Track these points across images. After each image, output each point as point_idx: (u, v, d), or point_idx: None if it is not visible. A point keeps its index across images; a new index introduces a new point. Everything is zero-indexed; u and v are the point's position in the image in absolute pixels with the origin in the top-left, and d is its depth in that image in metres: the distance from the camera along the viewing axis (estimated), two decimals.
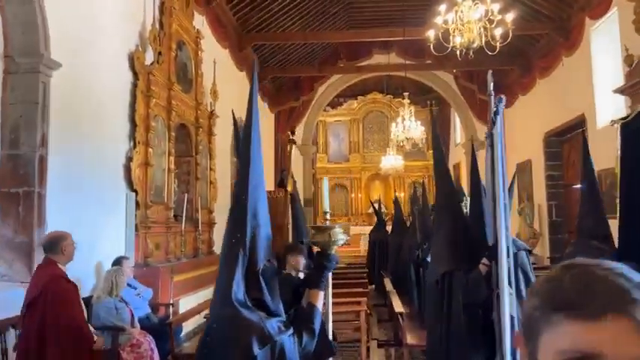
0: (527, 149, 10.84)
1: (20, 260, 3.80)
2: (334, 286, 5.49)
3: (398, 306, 4.35)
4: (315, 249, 2.09)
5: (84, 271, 4.22)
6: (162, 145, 5.79)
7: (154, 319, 4.66)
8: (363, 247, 14.05)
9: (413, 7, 9.53)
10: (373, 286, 8.28)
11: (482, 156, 10.94)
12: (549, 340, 0.56)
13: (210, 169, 7.23)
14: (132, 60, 5.23)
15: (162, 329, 4.26)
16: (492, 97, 2.26)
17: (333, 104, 18.88)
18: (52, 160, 3.98)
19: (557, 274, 0.59)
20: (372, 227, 11.32)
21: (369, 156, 19.23)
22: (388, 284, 6.17)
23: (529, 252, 4.67)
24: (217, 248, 7.01)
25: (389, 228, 9.40)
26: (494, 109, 2.16)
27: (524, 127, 11.22)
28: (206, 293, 5.71)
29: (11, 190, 3.83)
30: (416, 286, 4.92)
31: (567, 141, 9.66)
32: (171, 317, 4.79)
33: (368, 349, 4.73)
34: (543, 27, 9.13)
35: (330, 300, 2.06)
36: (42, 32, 3.89)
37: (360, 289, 5.24)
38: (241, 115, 9.14)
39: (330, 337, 1.91)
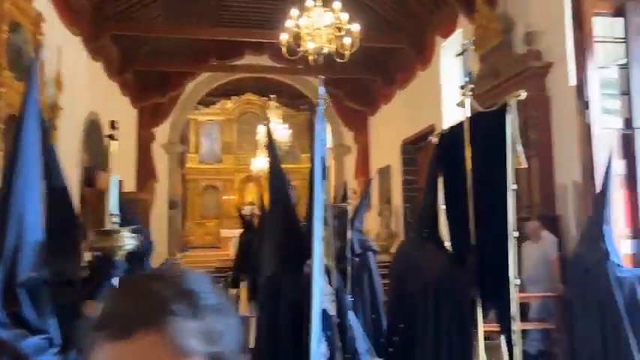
0: (388, 155, 11.55)
1: None
2: None
3: (243, 309, 4.29)
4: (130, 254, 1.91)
5: None
6: None
7: None
8: (233, 250, 13.80)
9: (277, 9, 9.61)
10: (236, 290, 8.16)
11: (348, 161, 11.32)
12: None
13: None
14: None
15: None
16: (320, 101, 2.28)
17: (207, 103, 18.33)
18: None
19: (114, 292, 0.55)
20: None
21: (243, 157, 18.99)
22: (242, 290, 6.09)
23: (375, 252, 4.91)
24: None
25: None
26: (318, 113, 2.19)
27: (385, 135, 11.94)
28: None
29: None
30: None
31: (421, 149, 10.47)
32: None
33: None
34: (401, 41, 9.77)
35: None
36: None
37: None
38: (97, 110, 8.37)
39: None
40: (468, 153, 2.60)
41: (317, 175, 2.07)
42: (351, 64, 11.67)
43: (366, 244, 4.62)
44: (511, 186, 2.33)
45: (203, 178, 18.76)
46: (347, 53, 5.24)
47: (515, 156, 2.34)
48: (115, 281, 1.60)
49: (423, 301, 2.32)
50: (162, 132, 12.52)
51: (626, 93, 4.00)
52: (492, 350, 2.93)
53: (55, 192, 2.13)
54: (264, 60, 11.87)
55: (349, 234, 3.13)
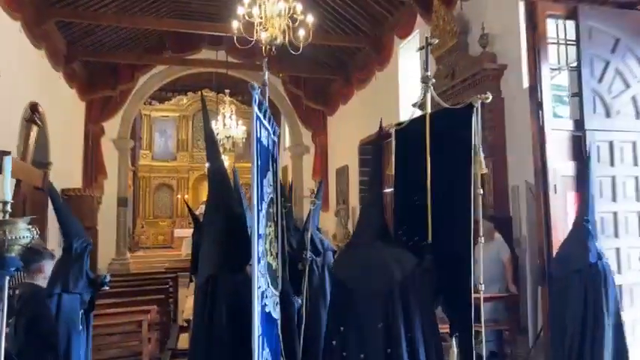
0: (345, 155, 11.47)
1: None
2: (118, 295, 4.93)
3: (190, 314, 4.06)
4: None
5: None
6: None
7: None
8: (185, 250, 13.38)
9: (233, 1, 9.37)
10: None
11: (307, 160, 11.14)
12: None
13: None
14: None
15: None
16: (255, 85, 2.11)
17: (161, 99, 17.77)
18: None
19: None
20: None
21: (198, 155, 18.53)
22: (191, 290, 5.82)
23: (334, 252, 4.78)
24: None
25: None
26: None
27: (344, 135, 11.87)
28: None
29: None
30: None
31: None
32: None
33: None
34: (360, 41, 9.71)
35: None
36: None
37: (153, 297, 4.80)
38: (39, 100, 7.83)
39: None
40: (427, 149, 2.50)
41: (253, 164, 1.90)
42: (310, 62, 11.65)
43: (325, 244, 4.47)
44: (476, 190, 2.27)
45: (156, 176, 18.20)
46: (300, 45, 5.09)
47: (478, 159, 2.28)
48: (4, 282, 1.35)
49: (388, 301, 2.20)
50: (112, 126, 11.97)
51: (576, 95, 4.03)
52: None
53: None
54: (221, 55, 11.55)
55: (308, 233, 2.97)
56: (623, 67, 4.08)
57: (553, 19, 4.16)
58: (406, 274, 2.19)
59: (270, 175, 2.37)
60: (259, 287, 2.03)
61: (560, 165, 3.82)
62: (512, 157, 5.68)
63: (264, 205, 2.22)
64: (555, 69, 4.13)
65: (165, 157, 18.44)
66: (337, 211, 11.33)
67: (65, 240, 3.19)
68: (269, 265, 2.29)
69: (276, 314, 2.32)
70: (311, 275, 3.61)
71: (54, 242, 5.93)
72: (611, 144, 3.97)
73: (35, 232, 1.38)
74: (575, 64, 4.09)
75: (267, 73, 2.06)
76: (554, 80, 4.27)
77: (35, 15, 7.79)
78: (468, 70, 6.19)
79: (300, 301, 3.00)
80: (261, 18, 4.66)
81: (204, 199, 16.86)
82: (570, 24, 4.14)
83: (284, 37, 4.84)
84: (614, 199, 3.91)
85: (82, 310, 2.97)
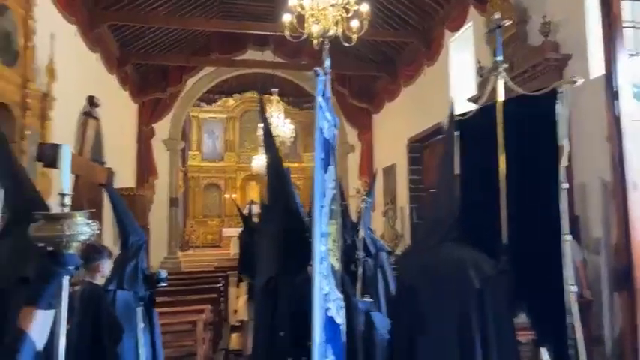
0: (393, 154, 11.23)
1: None
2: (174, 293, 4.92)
3: (242, 313, 3.99)
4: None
5: None
6: None
7: None
8: (233, 249, 13.50)
9: (281, 1, 9.33)
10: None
11: (352, 159, 10.97)
12: None
13: None
14: None
15: None
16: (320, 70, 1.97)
17: (208, 100, 18.06)
18: None
19: None
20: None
21: (245, 156, 18.68)
22: (241, 289, 5.80)
23: (389, 253, 4.61)
24: None
25: None
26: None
27: (390, 133, 11.62)
28: None
29: None
30: None
31: (428, 147, 10.13)
32: None
33: None
34: (408, 36, 9.45)
35: None
36: None
37: (205, 296, 4.77)
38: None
39: None
40: (501, 141, 2.29)
41: (317, 155, 1.75)
42: (355, 59, 11.47)
43: (378, 244, 4.30)
44: (562, 185, 2.05)
45: (205, 176, 18.49)
46: (354, 37, 4.91)
47: (563, 152, 2.06)
48: (65, 281, 1.26)
49: (464, 308, 2.00)
50: (162, 128, 12.23)
51: None
52: None
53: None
54: (267, 55, 11.57)
55: (362, 232, 2.82)
56: None
57: (628, 1, 3.84)
58: (485, 279, 1.99)
59: (332, 169, 2.23)
60: (322, 289, 1.89)
61: None
62: (577, 153, 5.30)
63: (327, 201, 2.08)
64: (633, 54, 3.79)
65: (214, 157, 18.72)
66: (385, 211, 11.09)
67: (122, 236, 3.17)
68: (332, 267, 2.15)
69: (341, 319, 2.18)
70: (364, 276, 3.45)
71: (109, 241, 6.04)
72: None
73: (96, 227, 1.29)
74: None
75: (328, 60, 1.91)
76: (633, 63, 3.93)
77: (89, 19, 8.01)
78: (528, 62, 5.86)
79: (362, 304, 2.85)
80: (312, 10, 4.53)
81: (251, 198, 17.03)
82: None
83: (336, 29, 4.69)
84: None
85: (143, 307, 2.92)
